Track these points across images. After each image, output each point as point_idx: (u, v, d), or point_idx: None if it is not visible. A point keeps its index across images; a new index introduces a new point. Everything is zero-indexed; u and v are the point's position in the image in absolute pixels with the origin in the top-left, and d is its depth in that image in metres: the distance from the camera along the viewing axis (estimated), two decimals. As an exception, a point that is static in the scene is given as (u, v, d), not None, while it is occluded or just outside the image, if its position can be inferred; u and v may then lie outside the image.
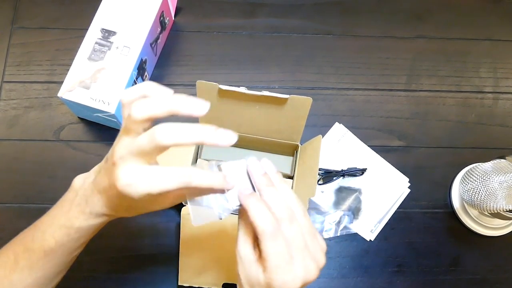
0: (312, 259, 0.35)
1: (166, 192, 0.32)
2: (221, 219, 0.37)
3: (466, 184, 0.59)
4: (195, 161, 0.63)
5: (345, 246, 0.65)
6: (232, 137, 0.32)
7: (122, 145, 0.33)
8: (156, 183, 0.32)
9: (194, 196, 0.36)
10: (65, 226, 0.39)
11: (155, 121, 0.33)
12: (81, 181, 0.40)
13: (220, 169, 0.38)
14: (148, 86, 0.34)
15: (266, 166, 0.39)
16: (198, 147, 0.64)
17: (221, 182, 0.34)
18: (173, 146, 0.32)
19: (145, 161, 0.33)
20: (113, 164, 0.33)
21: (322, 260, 0.36)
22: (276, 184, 0.37)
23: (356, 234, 0.65)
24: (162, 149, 0.32)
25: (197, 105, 0.32)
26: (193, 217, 0.37)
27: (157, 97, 0.33)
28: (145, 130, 0.33)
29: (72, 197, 0.39)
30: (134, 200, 0.33)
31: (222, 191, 0.36)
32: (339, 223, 0.65)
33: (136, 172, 0.32)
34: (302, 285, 0.35)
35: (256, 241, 0.36)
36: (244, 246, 0.36)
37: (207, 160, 0.64)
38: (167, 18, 0.70)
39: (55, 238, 0.39)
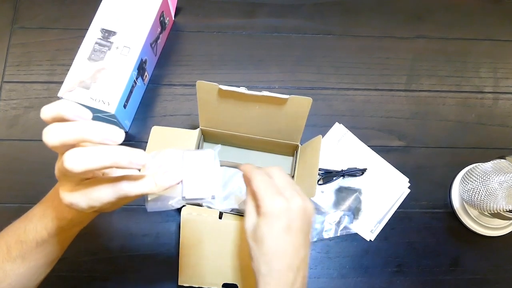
0: (298, 194, 0.42)
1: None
2: (174, 207, 0.38)
3: (466, 184, 0.59)
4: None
5: (345, 246, 0.65)
6: (146, 157, 0.32)
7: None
8: (95, 201, 0.34)
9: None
10: (57, 218, 0.39)
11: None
12: None
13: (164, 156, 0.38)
14: (66, 107, 0.31)
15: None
16: (198, 147, 0.64)
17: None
18: (87, 172, 0.31)
19: None
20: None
21: (303, 194, 0.44)
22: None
23: (356, 234, 0.65)
24: (76, 175, 0.31)
25: (112, 134, 0.31)
26: (149, 204, 0.38)
27: (69, 124, 0.31)
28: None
29: None
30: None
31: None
32: (339, 223, 0.65)
33: (73, 193, 0.34)
34: (292, 212, 0.41)
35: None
36: (248, 205, 0.43)
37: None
38: (167, 18, 0.70)
39: (48, 230, 0.40)
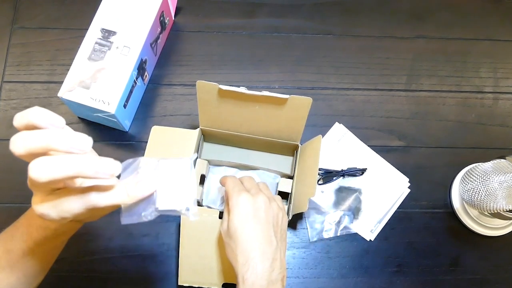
0: (263, 192, 0.49)
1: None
2: (147, 219, 0.35)
3: (466, 184, 0.59)
4: (194, 160, 0.63)
5: (345, 246, 0.65)
6: (115, 166, 0.30)
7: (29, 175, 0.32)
8: (66, 212, 0.32)
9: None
10: (42, 227, 0.39)
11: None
12: None
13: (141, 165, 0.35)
14: (37, 114, 0.30)
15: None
16: (198, 147, 0.64)
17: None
18: (52, 182, 0.29)
19: None
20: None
21: (277, 198, 0.52)
22: None
23: (356, 234, 0.65)
24: (43, 185, 0.30)
25: (79, 142, 0.30)
26: (123, 216, 0.35)
27: (36, 132, 0.30)
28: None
29: None
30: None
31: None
32: (339, 223, 0.65)
33: (44, 204, 0.33)
34: (253, 202, 0.47)
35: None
36: (224, 213, 0.50)
37: (206, 160, 0.64)
38: (167, 18, 0.70)
39: (33, 239, 0.39)
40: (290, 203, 0.61)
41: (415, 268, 0.64)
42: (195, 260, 0.58)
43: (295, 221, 0.65)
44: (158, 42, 0.69)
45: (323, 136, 0.69)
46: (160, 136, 0.59)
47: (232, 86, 0.53)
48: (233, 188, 0.49)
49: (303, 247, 0.64)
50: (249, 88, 0.53)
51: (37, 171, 0.29)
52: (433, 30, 0.76)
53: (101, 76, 0.61)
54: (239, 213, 0.47)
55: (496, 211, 0.56)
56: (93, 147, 0.33)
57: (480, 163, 0.59)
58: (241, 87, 0.53)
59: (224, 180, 0.52)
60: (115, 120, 0.62)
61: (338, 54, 0.74)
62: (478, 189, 0.57)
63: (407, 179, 0.68)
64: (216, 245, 0.57)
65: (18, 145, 0.30)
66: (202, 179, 0.63)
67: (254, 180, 0.53)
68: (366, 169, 0.67)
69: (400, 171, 0.68)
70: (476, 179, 0.57)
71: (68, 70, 0.61)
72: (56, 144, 0.29)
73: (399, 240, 0.66)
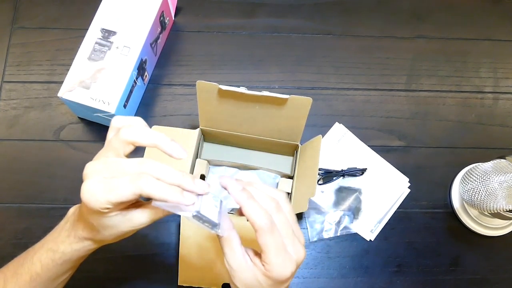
0: (299, 242, 0.38)
1: (127, 201, 0.34)
2: (177, 213, 0.36)
3: (466, 184, 0.59)
4: (194, 161, 0.63)
5: (345, 246, 0.65)
6: (181, 153, 0.36)
7: (92, 162, 0.35)
8: (113, 192, 0.33)
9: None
10: (51, 250, 0.40)
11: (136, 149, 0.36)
12: (73, 209, 0.42)
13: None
14: (140, 121, 0.37)
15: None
16: (198, 147, 0.64)
17: (175, 197, 0.34)
18: (133, 143, 0.36)
19: (109, 174, 0.34)
20: (83, 181, 0.35)
21: (303, 238, 0.40)
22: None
23: (356, 234, 0.65)
24: (124, 143, 0.35)
25: (176, 150, 0.36)
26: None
27: (146, 129, 0.36)
28: (125, 153, 0.36)
29: (63, 224, 0.41)
30: (102, 214, 0.35)
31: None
32: (339, 223, 0.65)
33: (96, 184, 0.34)
34: (296, 267, 0.38)
35: (243, 246, 0.38)
36: (234, 257, 0.37)
37: (206, 160, 0.64)
38: (167, 18, 0.70)
39: (41, 262, 0.41)
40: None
41: (415, 268, 0.64)
42: (195, 260, 0.58)
43: (295, 221, 0.65)
44: (158, 42, 0.69)
45: (323, 136, 0.69)
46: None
47: (232, 86, 0.53)
48: (263, 223, 0.36)
49: (303, 247, 0.64)
50: (249, 88, 0.53)
51: (127, 132, 0.36)
52: (433, 30, 0.76)
53: (101, 76, 0.61)
54: (275, 259, 0.36)
55: (496, 211, 0.56)
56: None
57: (480, 163, 0.59)
58: (241, 87, 0.53)
59: (240, 200, 0.36)
60: (115, 120, 0.62)
61: (338, 54, 0.74)
62: (478, 189, 0.57)
63: (407, 179, 0.68)
64: (216, 245, 0.57)
65: (129, 133, 0.36)
66: (202, 179, 0.63)
67: (267, 192, 0.39)
68: (366, 169, 0.67)
69: (400, 171, 0.68)
70: (476, 179, 0.57)
71: (68, 70, 0.61)
72: (161, 145, 0.36)
73: (399, 240, 0.65)
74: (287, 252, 0.37)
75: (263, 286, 0.37)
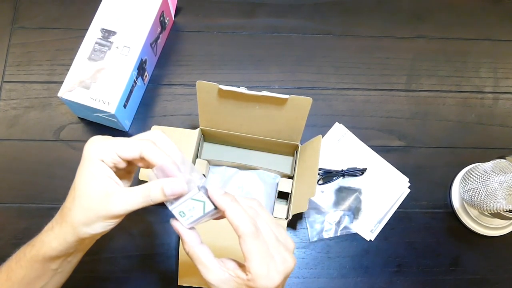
0: (286, 250, 0.36)
1: (129, 158, 0.37)
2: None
3: (466, 184, 0.59)
4: (194, 161, 0.63)
5: (345, 246, 0.65)
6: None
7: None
8: (119, 145, 0.36)
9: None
10: (30, 244, 0.40)
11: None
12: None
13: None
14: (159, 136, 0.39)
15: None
16: (198, 147, 0.64)
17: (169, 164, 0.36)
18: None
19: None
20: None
21: (291, 244, 0.38)
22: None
23: (356, 234, 0.65)
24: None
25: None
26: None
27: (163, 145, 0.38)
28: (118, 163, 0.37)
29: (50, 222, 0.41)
30: (97, 171, 0.36)
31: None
32: (339, 223, 0.65)
33: (101, 138, 0.37)
34: (284, 278, 0.36)
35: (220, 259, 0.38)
36: (210, 272, 0.36)
37: (206, 160, 0.64)
38: (167, 18, 0.70)
39: (17, 258, 0.40)
40: (290, 203, 0.61)
41: (415, 268, 0.64)
42: (195, 260, 0.58)
43: (295, 221, 0.65)
44: (158, 42, 0.69)
45: (323, 136, 0.69)
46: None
47: (232, 86, 0.53)
48: (248, 227, 0.35)
49: (303, 247, 0.64)
50: (249, 88, 0.53)
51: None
52: (433, 30, 0.76)
53: (101, 76, 0.61)
54: (260, 267, 0.35)
55: (496, 211, 0.56)
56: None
57: (480, 163, 0.59)
58: (241, 87, 0.53)
59: (223, 203, 0.36)
60: (115, 120, 0.62)
61: (338, 54, 0.74)
62: (478, 189, 0.57)
63: (407, 179, 0.68)
64: (216, 245, 0.57)
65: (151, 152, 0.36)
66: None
67: (270, 216, 0.38)
68: (366, 169, 0.67)
69: (400, 171, 0.68)
70: (476, 179, 0.57)
71: (68, 70, 0.61)
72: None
73: (399, 240, 0.65)
74: (273, 260, 0.35)
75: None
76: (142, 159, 0.36)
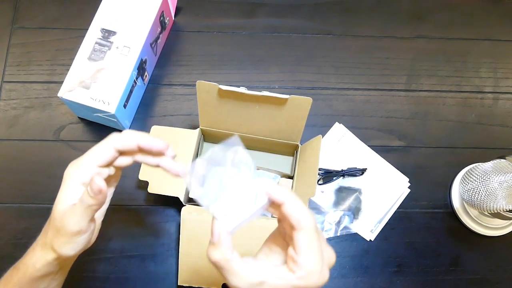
0: (327, 244, 0.34)
1: (108, 160, 0.41)
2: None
3: (466, 184, 0.59)
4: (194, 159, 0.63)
5: (345, 246, 0.65)
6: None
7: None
8: (94, 156, 0.41)
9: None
10: (15, 268, 0.41)
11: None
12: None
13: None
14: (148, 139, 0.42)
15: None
16: (198, 147, 0.64)
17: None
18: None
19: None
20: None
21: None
22: None
23: (356, 234, 0.65)
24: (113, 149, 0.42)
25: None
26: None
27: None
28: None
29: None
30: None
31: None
32: (339, 223, 0.65)
33: (76, 160, 0.42)
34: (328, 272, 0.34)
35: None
36: (249, 275, 0.32)
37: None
38: (167, 18, 0.70)
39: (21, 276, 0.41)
40: (290, 203, 0.61)
41: (415, 268, 0.64)
42: (195, 260, 0.58)
43: (295, 221, 0.65)
44: (158, 42, 0.69)
45: (323, 136, 0.69)
46: (160, 136, 0.59)
47: (232, 86, 0.53)
48: (310, 220, 0.32)
49: (303, 247, 0.64)
50: (249, 88, 0.53)
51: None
52: (433, 30, 0.76)
53: (101, 76, 0.61)
54: (311, 261, 0.32)
55: (496, 211, 0.56)
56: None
57: (480, 163, 0.59)
58: (241, 87, 0.53)
59: (280, 195, 0.32)
60: (115, 120, 0.62)
61: (338, 54, 0.74)
62: (478, 189, 0.57)
63: (407, 179, 0.68)
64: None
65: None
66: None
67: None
68: (366, 169, 0.67)
69: (400, 171, 0.68)
70: (476, 179, 0.57)
71: (68, 70, 0.61)
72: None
73: (399, 240, 0.65)
74: (323, 256, 0.33)
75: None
76: (125, 153, 0.41)
